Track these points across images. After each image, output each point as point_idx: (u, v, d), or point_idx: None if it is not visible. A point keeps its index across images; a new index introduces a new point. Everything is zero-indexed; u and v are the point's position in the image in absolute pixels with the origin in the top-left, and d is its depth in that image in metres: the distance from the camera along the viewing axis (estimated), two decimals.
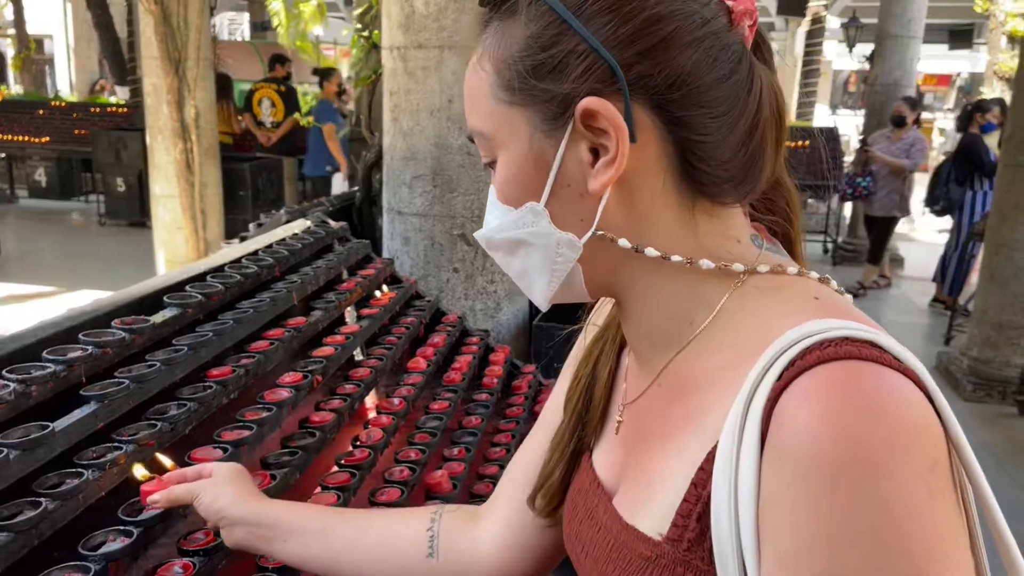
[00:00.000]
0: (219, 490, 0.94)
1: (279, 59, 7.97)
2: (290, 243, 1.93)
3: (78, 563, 0.92)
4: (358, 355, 1.89)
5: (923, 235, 9.91)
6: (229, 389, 1.32)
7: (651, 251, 0.63)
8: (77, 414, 1.07)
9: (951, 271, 6.55)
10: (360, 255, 2.17)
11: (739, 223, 0.67)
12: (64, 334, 1.22)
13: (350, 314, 2.00)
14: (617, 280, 0.67)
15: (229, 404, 1.33)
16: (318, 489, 1.28)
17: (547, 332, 2.37)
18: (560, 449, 0.79)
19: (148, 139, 5.32)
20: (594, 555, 0.69)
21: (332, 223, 2.24)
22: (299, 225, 2.15)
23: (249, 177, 6.50)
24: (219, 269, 1.65)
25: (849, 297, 0.65)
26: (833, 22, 13.70)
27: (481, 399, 1.85)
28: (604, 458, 0.74)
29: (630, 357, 0.74)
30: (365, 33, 2.89)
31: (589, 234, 0.64)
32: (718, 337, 0.64)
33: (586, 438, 0.77)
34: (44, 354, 1.12)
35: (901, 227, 8.08)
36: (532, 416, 1.92)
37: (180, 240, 5.46)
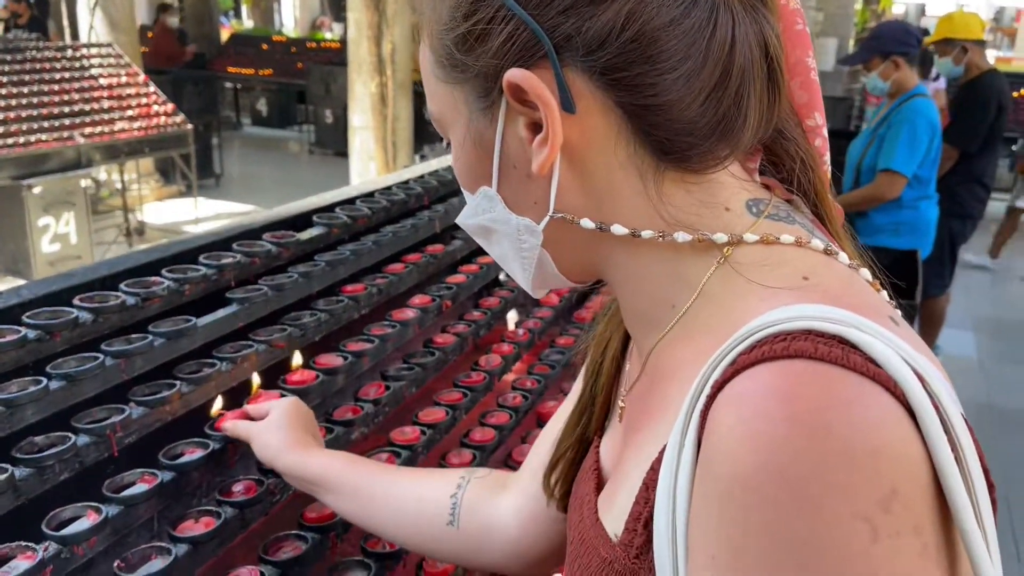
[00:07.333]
0: (267, 439, 0.98)
1: None
2: (442, 174, 2.01)
3: (200, 439, 1.06)
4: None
5: None
6: (360, 304, 1.43)
7: (618, 228, 0.56)
8: (220, 313, 1.20)
9: None
10: None
11: (728, 188, 0.56)
12: (221, 243, 1.37)
13: None
14: (592, 262, 0.61)
15: (360, 319, 1.44)
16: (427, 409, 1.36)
17: None
18: (568, 434, 0.75)
19: (349, 72, 5.66)
20: (572, 545, 0.64)
21: None
22: None
23: None
24: (369, 195, 1.76)
25: (866, 273, 0.55)
26: None
27: None
28: (608, 445, 0.70)
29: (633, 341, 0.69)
30: None
31: (547, 218, 0.58)
32: (699, 322, 0.55)
33: (592, 425, 0.73)
34: (200, 258, 1.27)
35: None
36: None
37: (373, 170, 5.81)
